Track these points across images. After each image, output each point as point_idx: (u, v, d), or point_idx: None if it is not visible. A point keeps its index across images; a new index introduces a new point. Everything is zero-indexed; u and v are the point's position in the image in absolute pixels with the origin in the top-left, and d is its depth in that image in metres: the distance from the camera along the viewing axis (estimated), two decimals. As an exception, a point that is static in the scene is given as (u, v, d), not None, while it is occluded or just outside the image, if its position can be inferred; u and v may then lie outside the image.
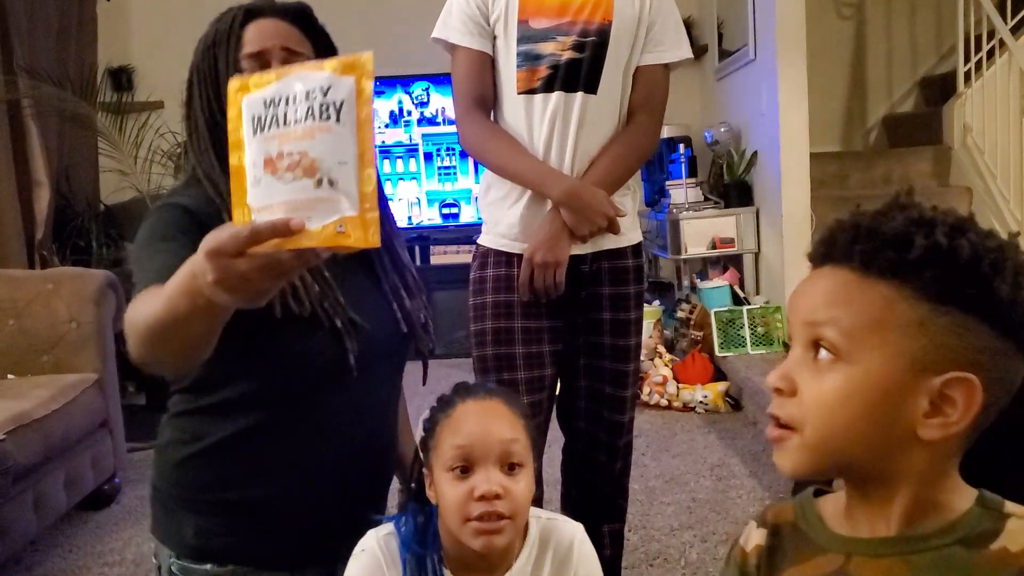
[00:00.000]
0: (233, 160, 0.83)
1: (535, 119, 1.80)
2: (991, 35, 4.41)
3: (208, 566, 1.25)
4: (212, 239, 0.77)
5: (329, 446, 1.27)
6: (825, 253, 0.76)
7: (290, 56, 1.24)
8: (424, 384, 1.48)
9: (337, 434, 1.28)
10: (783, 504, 0.86)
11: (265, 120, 0.81)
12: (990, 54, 4.42)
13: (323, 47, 1.31)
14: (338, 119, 0.78)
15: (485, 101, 1.84)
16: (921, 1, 5.41)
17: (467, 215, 5.21)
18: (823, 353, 0.73)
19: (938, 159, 4.72)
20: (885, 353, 0.70)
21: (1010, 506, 0.72)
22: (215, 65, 1.24)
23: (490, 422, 1.20)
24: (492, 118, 1.87)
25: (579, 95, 1.77)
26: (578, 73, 1.77)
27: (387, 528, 1.26)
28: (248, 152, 0.81)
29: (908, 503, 0.73)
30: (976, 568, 0.70)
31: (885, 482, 0.74)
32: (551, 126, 1.78)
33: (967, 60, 4.52)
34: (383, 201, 1.32)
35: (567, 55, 1.77)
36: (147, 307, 0.95)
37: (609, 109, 1.82)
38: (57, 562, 2.66)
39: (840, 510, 0.79)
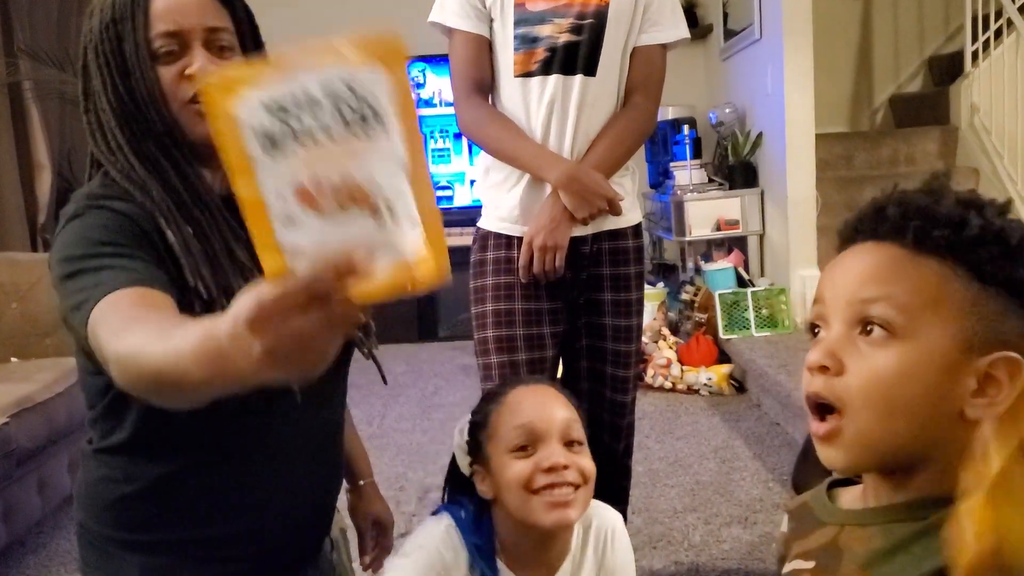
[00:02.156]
0: (242, 190, 0.64)
1: (532, 102, 1.79)
2: (999, 14, 4.36)
3: None
4: (252, 302, 0.57)
5: (277, 474, 1.13)
6: (869, 229, 0.75)
7: (214, 36, 1.07)
8: (385, 383, 1.40)
9: (284, 460, 1.14)
10: (798, 497, 0.89)
11: (279, 134, 0.63)
12: (998, 34, 4.38)
13: (241, 17, 1.13)
14: (378, 123, 0.62)
15: (483, 85, 1.83)
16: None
17: (461, 197, 5.20)
18: (876, 331, 0.71)
19: (945, 139, 4.69)
20: (941, 331, 0.70)
21: None
22: (119, 46, 1.05)
23: (548, 401, 1.24)
24: (490, 102, 1.86)
25: (578, 78, 1.77)
26: (576, 55, 1.76)
27: (445, 520, 1.27)
28: (266, 178, 0.63)
29: (930, 479, 0.72)
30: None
31: (915, 463, 0.73)
32: (549, 109, 1.78)
33: (975, 40, 4.48)
34: None
35: (564, 37, 1.75)
36: (145, 349, 0.77)
37: (608, 91, 1.81)
38: (62, 543, 2.67)
39: (858, 493, 0.80)
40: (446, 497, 1.34)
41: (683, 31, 1.86)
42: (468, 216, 5.11)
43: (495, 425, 1.22)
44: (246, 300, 0.58)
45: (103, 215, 1.01)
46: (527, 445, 1.19)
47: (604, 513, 1.33)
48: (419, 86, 5.11)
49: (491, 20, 1.80)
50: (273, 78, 0.63)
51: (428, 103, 5.15)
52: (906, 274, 0.71)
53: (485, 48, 1.82)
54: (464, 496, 1.28)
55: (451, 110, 4.99)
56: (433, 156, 5.17)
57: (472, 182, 5.19)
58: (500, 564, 1.23)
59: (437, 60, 5.03)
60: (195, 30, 1.06)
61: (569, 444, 1.20)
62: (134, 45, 1.04)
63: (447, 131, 5.14)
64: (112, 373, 0.83)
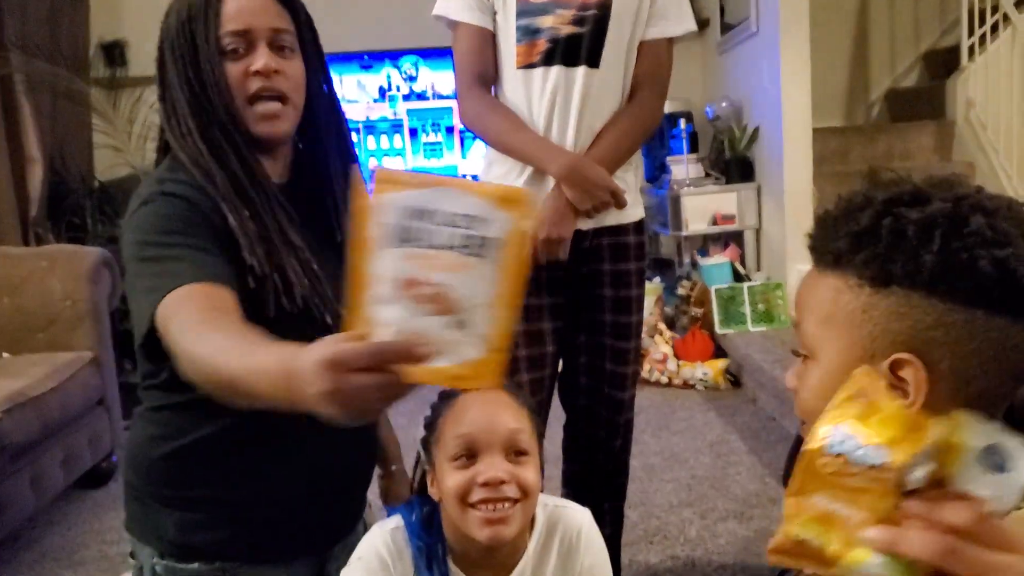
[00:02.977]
0: (355, 259, 0.74)
1: (535, 94, 1.78)
2: (995, 9, 4.36)
3: (195, 565, 1.20)
4: (331, 349, 0.68)
5: (316, 442, 1.19)
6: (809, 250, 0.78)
7: (277, 37, 1.18)
8: None
9: (318, 435, 1.15)
10: None
11: (411, 233, 0.73)
12: (994, 28, 4.38)
13: (303, 22, 1.25)
14: (485, 256, 0.73)
15: (486, 77, 1.82)
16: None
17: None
18: (804, 354, 0.75)
19: (941, 134, 4.68)
20: (837, 345, 0.71)
21: None
22: (192, 41, 1.16)
23: (494, 410, 1.17)
24: (494, 94, 1.85)
25: (581, 69, 1.75)
26: (579, 47, 1.75)
27: (393, 521, 1.24)
28: (382, 261, 0.73)
29: None
30: None
31: None
32: (551, 101, 1.76)
33: (971, 34, 4.47)
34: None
35: (567, 29, 1.74)
36: (224, 359, 0.87)
37: (612, 84, 1.79)
38: (55, 539, 2.66)
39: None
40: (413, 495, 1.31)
41: (690, 24, 1.85)
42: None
43: (441, 429, 1.17)
44: (327, 345, 0.69)
45: (172, 203, 1.11)
46: (467, 455, 1.13)
47: (571, 514, 1.27)
48: (411, 79, 5.09)
49: (494, 12, 1.79)
50: (429, 189, 0.74)
51: (421, 96, 5.13)
52: (811, 297, 0.74)
53: (488, 40, 1.80)
54: (423, 495, 1.25)
55: (443, 103, 5.04)
56: (424, 150, 5.15)
57: (464, 176, 5.18)
58: (451, 565, 1.20)
59: (429, 53, 5.01)
60: (261, 30, 1.17)
61: (515, 454, 1.14)
62: (205, 41, 1.15)
63: (439, 125, 5.12)
64: (182, 366, 0.94)
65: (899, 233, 0.67)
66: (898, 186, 0.71)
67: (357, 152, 1.35)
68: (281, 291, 1.12)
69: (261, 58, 1.16)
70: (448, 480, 1.14)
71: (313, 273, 1.16)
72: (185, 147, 1.16)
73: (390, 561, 1.19)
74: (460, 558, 1.20)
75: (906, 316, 0.68)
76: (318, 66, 1.27)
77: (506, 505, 1.12)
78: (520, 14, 1.76)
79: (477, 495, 1.11)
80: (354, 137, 5.32)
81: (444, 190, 0.75)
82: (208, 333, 0.93)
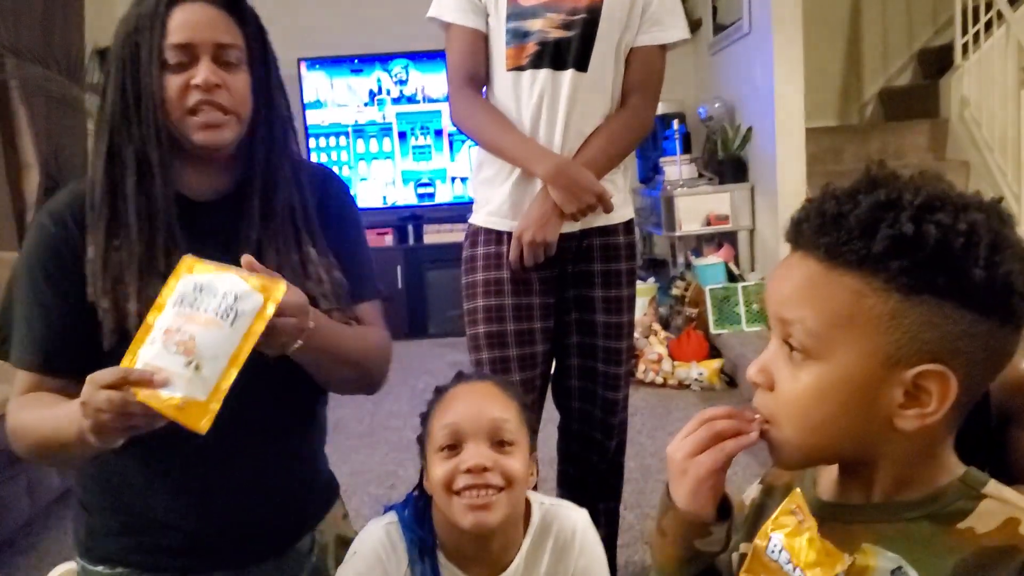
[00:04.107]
0: (149, 317, 0.99)
1: (523, 96, 1.79)
2: (988, 6, 4.36)
3: (100, 568, 1.24)
4: (91, 378, 0.94)
5: (204, 465, 1.19)
6: (795, 239, 0.74)
7: (222, 52, 1.16)
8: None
9: (213, 465, 1.20)
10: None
11: (187, 300, 0.97)
12: (988, 26, 4.38)
13: (253, 32, 1.22)
14: (232, 323, 0.95)
15: (477, 78, 1.83)
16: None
17: (443, 194, 5.19)
18: (796, 351, 0.72)
19: (935, 133, 4.69)
20: (856, 350, 0.68)
21: (991, 487, 0.71)
22: (136, 51, 1.14)
23: (479, 401, 1.20)
24: (485, 95, 1.86)
25: (568, 73, 1.76)
26: (567, 51, 1.75)
27: (389, 516, 1.25)
28: (162, 317, 0.97)
29: (889, 479, 0.74)
30: (938, 544, 0.69)
31: (868, 463, 0.74)
32: (539, 103, 1.77)
33: (964, 32, 4.48)
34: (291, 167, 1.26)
35: (555, 33, 1.75)
36: (33, 419, 1.11)
37: (600, 88, 1.80)
38: (52, 545, 2.65)
39: (834, 478, 0.80)
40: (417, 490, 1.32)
41: (683, 31, 1.85)
42: (448, 213, 5.16)
43: (430, 422, 1.20)
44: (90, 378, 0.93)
45: (43, 232, 1.18)
46: (453, 444, 1.16)
47: (567, 514, 1.28)
48: (402, 83, 5.10)
49: (487, 15, 1.80)
50: (214, 274, 0.99)
51: (411, 99, 5.14)
52: (817, 294, 0.70)
53: (480, 42, 1.81)
54: (417, 490, 1.27)
55: (432, 107, 5.05)
56: (414, 152, 5.16)
57: (453, 179, 5.19)
58: (443, 559, 1.21)
59: (420, 56, 5.02)
60: (205, 44, 1.15)
61: (500, 444, 1.16)
62: (149, 52, 1.13)
63: (428, 128, 5.13)
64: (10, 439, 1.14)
65: (945, 244, 0.66)
66: (919, 188, 0.69)
67: (306, 160, 1.33)
68: (113, 328, 1.12)
69: (202, 72, 1.14)
70: (436, 470, 1.16)
71: (151, 303, 1.12)
72: (93, 166, 1.18)
73: (384, 555, 1.20)
74: (452, 553, 1.21)
75: (938, 326, 0.67)
76: (266, 78, 1.24)
77: (489, 492, 1.13)
78: (510, 17, 1.77)
79: (461, 482, 1.13)
80: (340, 142, 5.26)
81: (226, 275, 0.98)
82: (28, 402, 1.14)
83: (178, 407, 0.92)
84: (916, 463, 0.73)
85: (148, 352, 0.95)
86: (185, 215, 1.17)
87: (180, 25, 1.14)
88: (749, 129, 4.38)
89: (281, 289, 0.98)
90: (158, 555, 1.22)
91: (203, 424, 0.92)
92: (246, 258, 1.02)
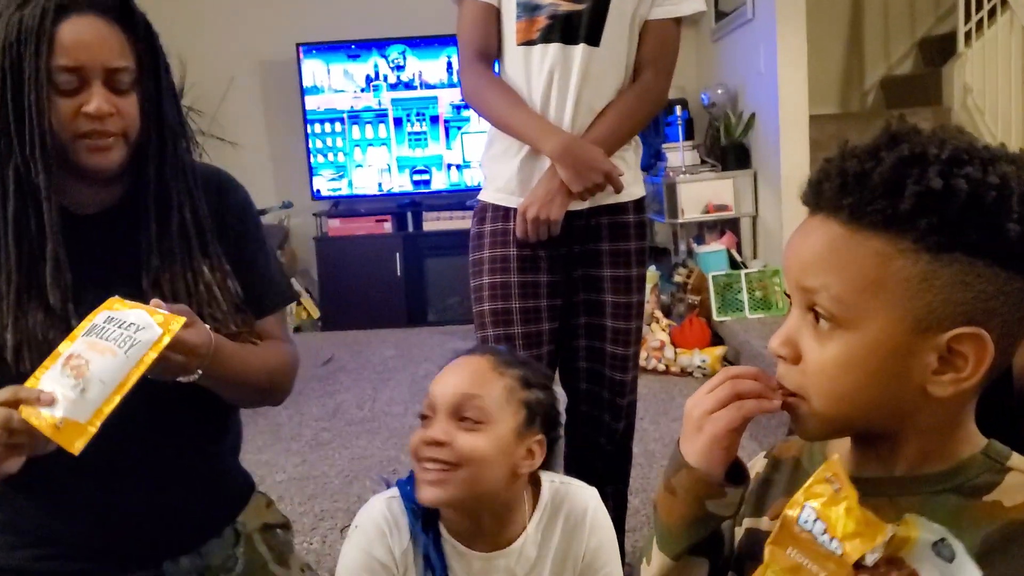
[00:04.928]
0: (60, 346, 1.02)
1: (533, 71, 1.76)
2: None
3: None
4: None
5: (90, 479, 1.16)
6: (813, 201, 0.70)
7: (114, 76, 1.09)
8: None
9: (111, 482, 1.18)
10: (792, 440, 0.84)
11: (96, 330, 1.01)
12: (991, 13, 4.35)
13: (144, 44, 1.14)
14: (127, 352, 0.98)
15: (488, 53, 1.80)
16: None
17: (439, 182, 5.16)
18: (822, 320, 0.68)
19: (937, 120, 4.66)
20: (886, 315, 0.65)
21: (1015, 459, 0.69)
22: (19, 65, 1.05)
23: (456, 375, 1.20)
24: (497, 70, 1.83)
25: (580, 47, 1.73)
26: (578, 25, 1.72)
27: (392, 491, 1.24)
28: (71, 346, 1.01)
29: (914, 451, 0.71)
30: (965, 517, 0.67)
31: (894, 434, 0.71)
32: (549, 78, 1.74)
33: (967, 19, 4.45)
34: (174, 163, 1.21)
35: (566, 6, 1.72)
36: None
37: (613, 62, 1.77)
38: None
39: (846, 451, 0.76)
40: None
41: (699, 3, 1.82)
42: (446, 200, 5.12)
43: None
44: None
45: None
46: (426, 415, 1.17)
47: (578, 493, 1.27)
48: (399, 68, 5.06)
49: None
50: (131, 310, 1.03)
51: (408, 85, 5.10)
52: (843, 258, 0.66)
53: (492, 17, 1.78)
54: None
55: (429, 92, 5.01)
56: (410, 140, 5.12)
57: (449, 166, 5.15)
58: (445, 534, 1.20)
59: (417, 42, 4.99)
60: (96, 69, 1.08)
61: (464, 421, 1.14)
62: (34, 70, 1.05)
63: (424, 114, 5.09)
64: None
65: (976, 198, 0.63)
66: (944, 141, 0.66)
67: (201, 167, 1.28)
68: None
69: (95, 101, 1.08)
70: (411, 439, 1.18)
71: (28, 332, 1.10)
72: None
73: (387, 529, 1.20)
74: (452, 526, 1.20)
75: (970, 286, 0.64)
76: (157, 91, 1.17)
77: (437, 467, 1.13)
78: None
79: (420, 453, 1.14)
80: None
81: (137, 310, 1.02)
82: None
83: (56, 426, 0.95)
84: (942, 433, 0.70)
85: (47, 375, 0.99)
86: (68, 230, 1.12)
87: (70, 45, 1.06)
88: (752, 116, 4.35)
89: (179, 322, 1.01)
90: (66, 561, 1.20)
91: (77, 445, 0.94)
92: (155, 301, 1.05)
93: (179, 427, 1.23)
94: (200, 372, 1.09)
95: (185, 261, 1.18)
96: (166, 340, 1.00)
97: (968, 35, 4.46)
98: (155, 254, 1.17)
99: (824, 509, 0.66)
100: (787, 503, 0.68)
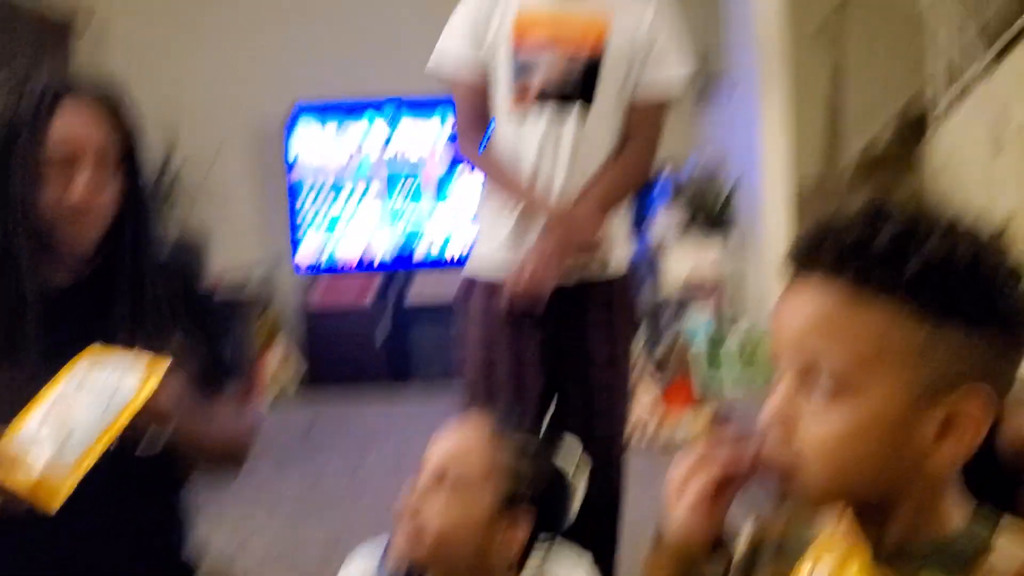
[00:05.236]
0: (42, 393, 1.00)
1: (526, 136, 1.79)
2: (963, 73, 4.45)
3: None
4: None
5: (46, 532, 1.12)
6: (809, 263, 0.69)
7: (101, 160, 1.17)
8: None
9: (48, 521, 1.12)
10: (777, 514, 0.81)
11: (79, 377, 1.01)
12: (964, 92, 4.46)
13: (129, 130, 1.23)
14: (116, 398, 0.98)
15: (481, 120, 1.85)
16: (896, 39, 5.46)
17: (425, 245, 5.16)
18: (821, 388, 0.66)
19: (915, 193, 4.73)
20: (890, 383, 0.64)
21: (1005, 525, 0.68)
22: (9, 149, 1.13)
23: (446, 438, 1.22)
24: (490, 133, 1.86)
25: (572, 114, 1.76)
26: (571, 93, 1.77)
27: (370, 547, 1.26)
28: (51, 393, 1.00)
29: (905, 519, 0.69)
30: None
31: (887, 503, 0.69)
32: (540, 146, 1.77)
33: (941, 98, 4.55)
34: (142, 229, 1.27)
35: (558, 76, 1.76)
36: None
37: (603, 130, 1.80)
38: None
39: (833, 523, 0.74)
40: None
41: (688, 71, 1.87)
42: (431, 269, 5.10)
43: None
44: None
45: None
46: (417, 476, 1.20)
47: (563, 566, 1.25)
48: (391, 126, 5.09)
49: (492, 55, 1.81)
50: (107, 356, 1.04)
51: (399, 145, 5.13)
52: (846, 324, 0.65)
53: (481, 90, 1.83)
54: None
55: (419, 159, 5.02)
56: (399, 199, 5.13)
57: (436, 229, 5.17)
58: None
59: (409, 104, 5.02)
60: (87, 152, 1.16)
61: (443, 485, 1.16)
62: (24, 156, 1.13)
63: (412, 181, 5.12)
64: None
65: (975, 266, 0.63)
66: (936, 209, 0.67)
67: (169, 241, 1.36)
68: None
69: (80, 188, 1.14)
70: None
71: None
72: None
73: None
74: None
75: (970, 353, 0.64)
76: (135, 172, 1.25)
77: (408, 530, 1.14)
78: (515, 60, 1.78)
79: (399, 509, 1.17)
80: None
81: (122, 356, 1.03)
82: None
83: (34, 483, 0.93)
84: (934, 499, 0.69)
85: (27, 423, 0.98)
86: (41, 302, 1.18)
87: (64, 136, 1.14)
88: (735, 183, 4.40)
89: (164, 364, 1.04)
90: None
91: (52, 504, 0.93)
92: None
93: (125, 511, 1.22)
94: (170, 430, 1.10)
95: (155, 332, 1.22)
96: (151, 384, 1.01)
97: (942, 112, 4.56)
98: (127, 324, 1.21)
99: (835, 571, 0.64)
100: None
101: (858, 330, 0.65)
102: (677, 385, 3.99)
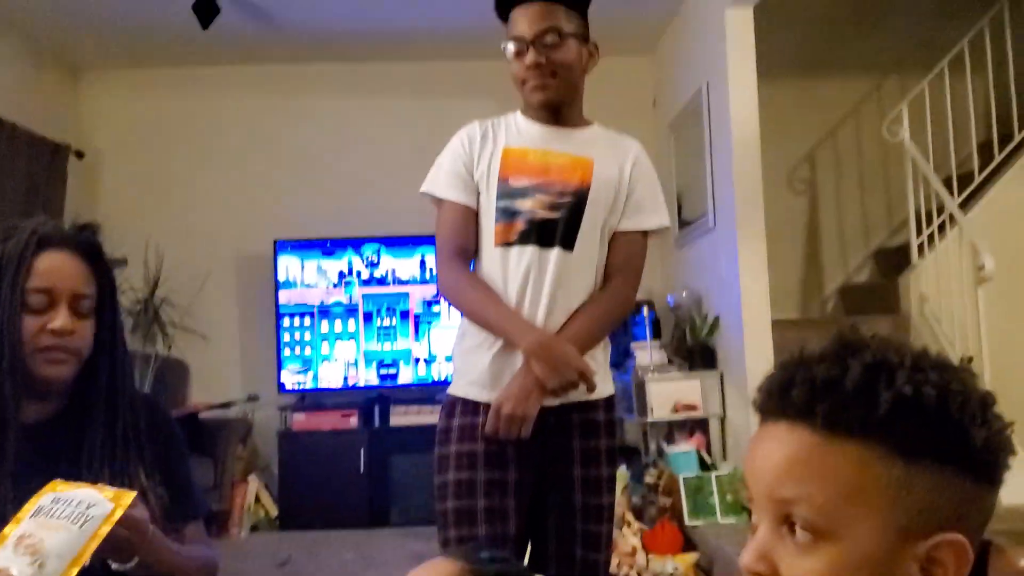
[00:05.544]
0: (7, 528, 1.05)
1: (510, 270, 1.82)
2: (940, 210, 4.58)
3: None
4: None
5: None
6: (778, 408, 0.69)
7: (78, 301, 1.29)
8: None
9: None
10: None
11: (44, 510, 1.06)
12: (941, 228, 4.58)
13: (106, 282, 1.36)
14: (81, 527, 1.03)
15: (466, 251, 1.86)
16: (870, 179, 5.66)
17: (406, 375, 5.15)
18: (800, 532, 0.66)
19: (896, 328, 4.79)
20: (869, 524, 0.64)
21: None
22: None
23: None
24: (473, 268, 1.89)
25: (555, 251, 1.80)
26: (553, 231, 1.80)
27: None
28: (19, 527, 1.04)
29: None
30: None
31: None
32: (525, 278, 1.80)
33: (919, 233, 4.67)
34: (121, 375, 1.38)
35: (543, 213, 1.81)
36: None
37: (584, 267, 1.83)
38: None
39: None
40: None
41: (665, 219, 1.93)
42: (412, 395, 5.08)
43: None
44: None
45: None
46: None
47: None
48: (372, 265, 5.17)
49: (478, 192, 1.86)
50: (78, 490, 1.09)
51: (381, 281, 5.19)
52: (821, 467, 0.65)
53: (471, 218, 1.86)
54: None
55: (401, 288, 5.09)
56: (379, 334, 5.16)
57: (417, 360, 5.16)
58: None
59: (391, 241, 5.12)
60: (64, 291, 1.28)
61: None
62: (10, 289, 1.24)
63: (394, 309, 5.16)
64: None
65: (943, 405, 0.64)
66: (901, 348, 0.68)
67: (137, 392, 1.45)
68: None
69: (59, 319, 1.26)
70: None
71: None
72: None
73: None
74: None
75: (943, 491, 0.64)
76: (112, 321, 1.37)
77: None
78: (500, 196, 1.82)
79: None
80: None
81: (85, 489, 1.08)
82: None
83: None
84: None
85: (2, 554, 1.02)
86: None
87: (45, 271, 1.27)
88: (716, 319, 4.44)
89: (130, 496, 1.09)
90: None
91: None
92: (99, 485, 1.13)
93: None
94: (137, 559, 1.14)
95: (123, 465, 1.31)
96: (118, 513, 1.06)
97: (921, 247, 4.67)
98: (96, 459, 1.29)
99: None
100: None
101: (831, 474, 0.65)
102: (661, 525, 3.91)
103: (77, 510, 1.05)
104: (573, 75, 1.84)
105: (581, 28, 1.85)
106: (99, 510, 1.06)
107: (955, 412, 0.64)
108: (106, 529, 1.05)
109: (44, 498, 1.08)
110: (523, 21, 1.80)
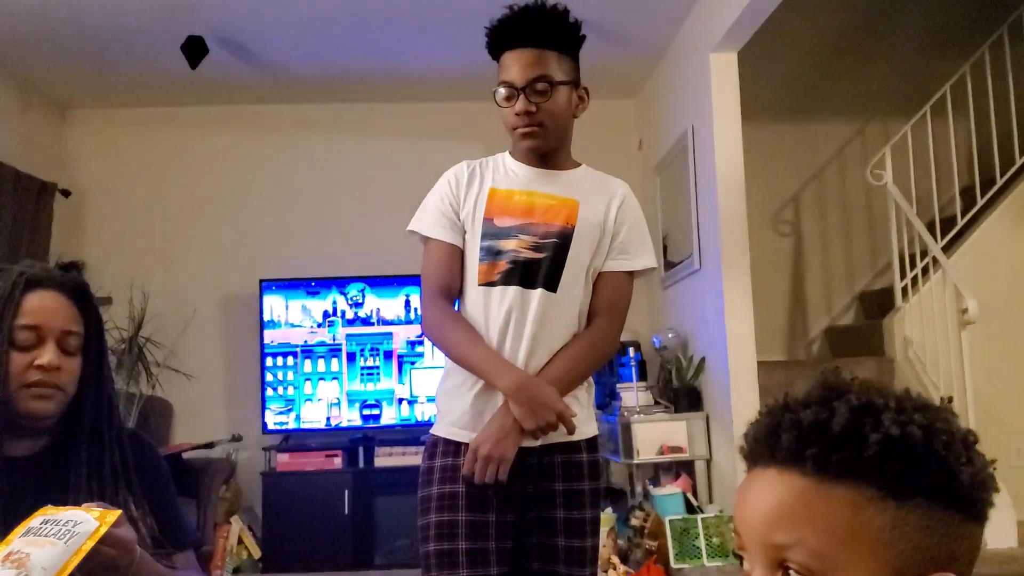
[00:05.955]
0: (1, 545, 1.08)
1: (492, 310, 1.81)
2: (923, 254, 4.62)
3: None
4: None
5: None
6: (767, 454, 0.69)
7: (65, 338, 1.33)
8: None
9: None
10: None
11: (33, 530, 1.08)
12: (924, 271, 4.61)
13: (93, 321, 1.39)
14: (67, 542, 1.06)
15: (450, 290, 1.86)
16: (855, 221, 5.71)
17: (389, 416, 5.11)
18: None
19: (881, 370, 4.80)
20: (864, 567, 0.63)
21: None
22: None
23: None
24: (457, 307, 1.89)
25: (537, 292, 1.79)
26: (537, 271, 1.80)
27: None
28: (8, 547, 1.07)
29: None
30: None
31: None
32: (507, 318, 1.80)
33: (903, 276, 4.70)
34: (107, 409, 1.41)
35: (527, 253, 1.81)
36: None
37: (567, 308, 1.83)
38: None
39: None
40: None
41: (650, 260, 1.93)
42: (396, 435, 5.05)
43: None
44: None
45: None
46: None
47: None
48: (357, 305, 5.16)
49: (464, 232, 1.86)
50: (65, 512, 1.11)
51: (365, 321, 5.18)
52: (813, 511, 0.65)
53: (456, 257, 1.86)
54: None
55: (385, 328, 5.08)
56: (362, 374, 5.13)
57: (400, 400, 5.13)
58: None
59: (375, 281, 5.12)
60: (52, 329, 1.32)
61: None
62: (1, 320, 1.28)
63: (377, 350, 5.14)
64: None
65: (929, 444, 0.64)
66: (883, 390, 0.68)
67: (124, 428, 1.48)
68: None
69: (47, 355, 1.30)
70: None
71: None
72: None
73: None
74: None
75: (934, 531, 0.64)
76: (98, 360, 1.40)
77: None
78: (485, 236, 1.83)
79: None
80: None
81: (74, 511, 1.11)
82: None
83: None
84: None
85: None
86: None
87: (33, 309, 1.31)
88: (702, 360, 4.44)
89: (115, 514, 1.11)
90: None
91: None
92: (86, 504, 1.15)
93: None
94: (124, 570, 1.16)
95: (112, 498, 1.32)
96: (103, 530, 1.09)
97: (905, 290, 4.70)
98: (83, 492, 1.30)
99: None
100: None
101: (824, 518, 0.64)
102: (647, 568, 3.87)
103: (64, 528, 1.08)
104: (562, 123, 1.86)
105: (572, 73, 1.86)
106: (84, 527, 1.09)
107: (941, 450, 0.64)
108: (90, 544, 1.07)
109: (34, 520, 1.11)
110: (515, 67, 1.81)
